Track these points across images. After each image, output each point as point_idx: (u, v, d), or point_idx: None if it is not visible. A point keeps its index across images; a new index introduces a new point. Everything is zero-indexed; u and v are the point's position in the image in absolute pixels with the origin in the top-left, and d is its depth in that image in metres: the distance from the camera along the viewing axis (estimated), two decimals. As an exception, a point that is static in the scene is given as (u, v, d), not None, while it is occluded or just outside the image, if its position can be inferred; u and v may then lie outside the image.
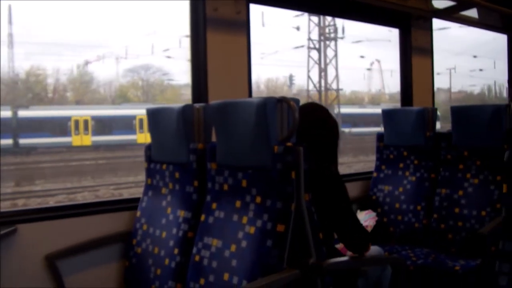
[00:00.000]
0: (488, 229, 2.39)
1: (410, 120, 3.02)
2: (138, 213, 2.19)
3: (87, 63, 22.60)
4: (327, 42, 23.45)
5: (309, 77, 23.56)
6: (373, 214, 2.50)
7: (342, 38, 23.43)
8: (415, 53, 3.55)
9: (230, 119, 1.81)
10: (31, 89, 22.37)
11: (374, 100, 29.14)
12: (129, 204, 2.29)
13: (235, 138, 1.80)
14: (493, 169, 2.75)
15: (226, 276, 1.72)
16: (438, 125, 3.29)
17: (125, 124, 18.79)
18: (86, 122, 18.31)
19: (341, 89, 24.92)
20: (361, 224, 1.96)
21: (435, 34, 3.65)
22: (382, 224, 3.00)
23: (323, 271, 1.66)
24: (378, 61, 28.47)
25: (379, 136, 3.19)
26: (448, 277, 2.48)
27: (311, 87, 23.66)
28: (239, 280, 1.68)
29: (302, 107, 1.93)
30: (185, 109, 2.01)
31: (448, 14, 3.59)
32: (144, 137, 18.87)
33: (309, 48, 23.38)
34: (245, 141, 1.76)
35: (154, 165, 2.18)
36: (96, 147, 18.12)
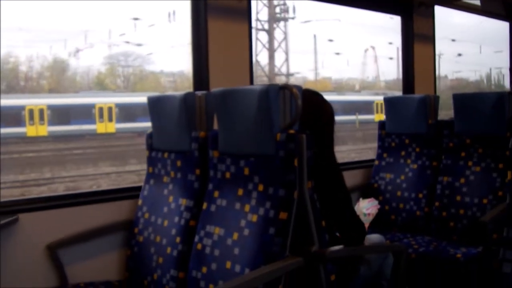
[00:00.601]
0: (490, 216, 2.39)
1: (412, 108, 3.00)
2: (140, 202, 2.19)
3: (78, 50, 21.97)
4: (279, 23, 22.07)
5: (257, 61, 22.10)
6: (376, 202, 2.50)
7: (293, 18, 22.45)
8: (417, 41, 3.53)
9: (232, 106, 1.80)
10: (5, 77, 21.65)
11: (365, 87, 28.83)
12: (131, 193, 2.28)
13: (237, 126, 1.79)
14: (495, 157, 2.74)
15: (228, 265, 1.72)
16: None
17: (84, 113, 18.07)
18: (41, 111, 17.56)
19: (292, 74, 23.95)
20: (357, 216, 1.95)
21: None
22: (384, 212, 2.99)
23: (326, 259, 1.65)
24: (373, 48, 28.20)
25: (381, 124, 3.18)
26: (449, 265, 2.49)
27: (259, 72, 22.42)
28: (242, 268, 1.67)
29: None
30: (187, 97, 1.99)
31: (450, 1, 3.56)
32: (104, 127, 18.19)
33: (257, 29, 21.93)
34: (247, 129, 1.75)
35: (155, 154, 2.17)
36: (55, 137, 17.39)
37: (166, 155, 2.11)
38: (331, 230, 1.88)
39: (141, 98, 17.43)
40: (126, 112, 18.59)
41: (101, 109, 18.35)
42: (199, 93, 2.03)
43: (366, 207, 2.43)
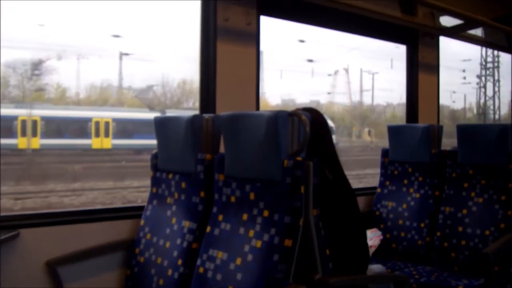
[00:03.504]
0: (492, 248, 2.38)
1: (416, 137, 3.01)
2: (142, 222, 2.17)
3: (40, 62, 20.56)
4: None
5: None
6: (379, 233, 2.48)
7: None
8: (422, 70, 3.56)
9: (240, 131, 1.80)
10: None
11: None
12: (133, 212, 2.27)
13: (245, 150, 1.79)
14: (497, 189, 2.74)
15: None
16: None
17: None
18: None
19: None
20: (366, 243, 1.93)
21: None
22: (385, 240, 2.97)
23: None
24: (346, 70, 27.81)
25: (384, 152, 3.18)
26: None
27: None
28: None
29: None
30: (194, 119, 2.00)
31: (455, 33, 3.60)
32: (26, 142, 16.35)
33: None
34: (255, 154, 1.75)
35: (160, 174, 2.17)
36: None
37: (170, 176, 2.10)
38: (336, 256, 1.86)
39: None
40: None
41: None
42: (206, 115, 2.03)
43: (369, 237, 2.41)
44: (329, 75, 27.61)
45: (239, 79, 2.53)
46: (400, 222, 2.99)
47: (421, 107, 3.56)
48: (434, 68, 3.65)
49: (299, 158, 1.66)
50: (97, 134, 17.66)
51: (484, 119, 28.26)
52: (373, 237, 2.43)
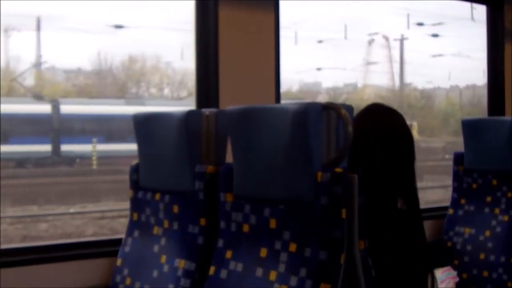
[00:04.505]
0: None
1: (503, 135, 3.00)
2: (119, 261, 2.19)
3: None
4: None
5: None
6: (454, 273, 2.49)
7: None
8: (509, 40, 3.55)
9: (254, 132, 1.81)
10: None
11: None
12: (106, 248, 2.30)
13: (261, 159, 1.80)
14: None
15: None
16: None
17: None
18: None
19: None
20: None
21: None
22: (461, 281, 2.97)
23: None
24: (386, 39, 27.20)
25: (458, 157, 3.17)
26: None
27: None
28: None
29: (359, 112, 1.95)
30: (190, 116, 2.01)
31: None
32: None
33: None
34: (276, 164, 1.76)
35: (143, 194, 2.19)
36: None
37: (158, 196, 2.12)
38: None
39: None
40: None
41: None
42: (206, 111, 2.05)
43: (440, 279, 2.41)
44: (369, 42, 27.24)
45: (251, 59, 2.54)
46: (482, 256, 2.99)
47: (509, 93, 3.54)
48: None
49: (338, 170, 1.67)
50: None
51: None
52: (445, 279, 2.43)
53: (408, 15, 23.75)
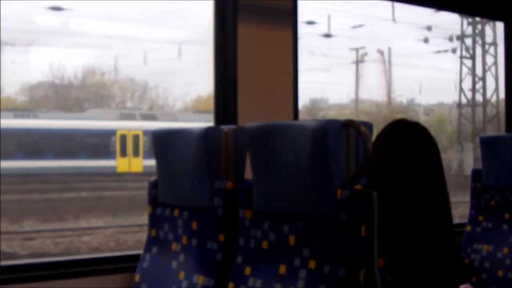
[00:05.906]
0: None
1: None
2: (137, 277, 2.20)
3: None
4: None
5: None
6: None
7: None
8: None
9: (273, 148, 1.82)
10: None
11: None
12: (125, 264, 2.30)
13: (281, 176, 1.81)
14: None
15: None
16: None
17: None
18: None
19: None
20: None
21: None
22: None
23: None
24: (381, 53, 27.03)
25: (476, 174, 3.16)
26: None
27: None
28: None
29: (384, 128, 1.96)
30: (209, 132, 2.03)
31: None
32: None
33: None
34: (295, 180, 1.77)
35: (161, 210, 2.20)
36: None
37: (176, 212, 2.13)
38: None
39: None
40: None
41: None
42: (225, 127, 2.06)
43: None
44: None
45: (269, 75, 2.56)
46: (500, 273, 2.96)
47: None
48: None
49: (358, 187, 1.67)
50: None
51: None
52: None
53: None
